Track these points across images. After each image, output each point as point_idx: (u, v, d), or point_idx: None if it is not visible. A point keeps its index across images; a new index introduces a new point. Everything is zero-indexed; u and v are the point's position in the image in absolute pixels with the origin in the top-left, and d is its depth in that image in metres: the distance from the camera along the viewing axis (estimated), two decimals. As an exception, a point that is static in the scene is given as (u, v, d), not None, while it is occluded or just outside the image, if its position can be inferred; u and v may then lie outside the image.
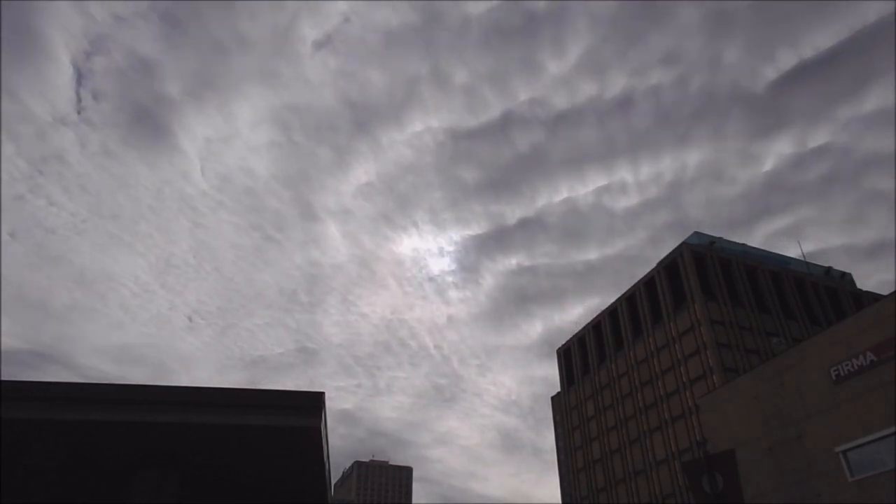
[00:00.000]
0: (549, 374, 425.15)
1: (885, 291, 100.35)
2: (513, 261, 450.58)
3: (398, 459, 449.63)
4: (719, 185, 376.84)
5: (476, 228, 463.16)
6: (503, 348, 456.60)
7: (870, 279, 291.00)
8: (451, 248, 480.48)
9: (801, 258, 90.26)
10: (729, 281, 79.61)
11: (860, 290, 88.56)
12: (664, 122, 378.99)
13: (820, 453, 32.98)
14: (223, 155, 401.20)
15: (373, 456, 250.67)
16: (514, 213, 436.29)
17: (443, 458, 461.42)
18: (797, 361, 36.00)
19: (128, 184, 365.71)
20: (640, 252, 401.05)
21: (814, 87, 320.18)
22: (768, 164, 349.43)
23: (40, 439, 5.97)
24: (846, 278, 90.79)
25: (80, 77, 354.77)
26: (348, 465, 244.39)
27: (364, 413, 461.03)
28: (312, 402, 5.99)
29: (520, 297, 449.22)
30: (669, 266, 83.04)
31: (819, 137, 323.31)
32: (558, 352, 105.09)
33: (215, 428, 5.95)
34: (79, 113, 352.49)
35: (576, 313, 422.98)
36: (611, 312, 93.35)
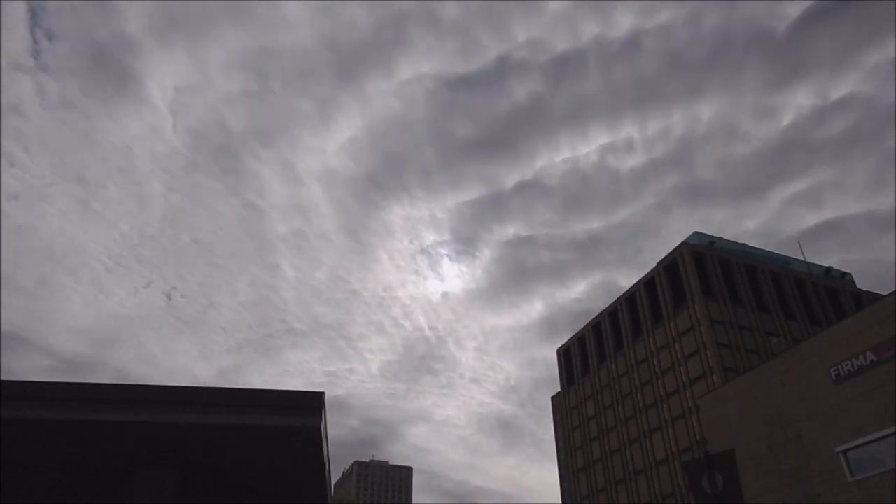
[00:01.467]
0: (549, 357, 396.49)
1: None
2: (510, 230, 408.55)
3: (393, 451, 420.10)
4: (733, 143, 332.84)
5: (471, 193, 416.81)
6: (501, 329, 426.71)
7: (890, 253, 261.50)
8: (444, 216, 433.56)
9: (801, 258, 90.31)
10: (729, 281, 79.61)
11: (860, 290, 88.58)
12: (675, 68, 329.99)
13: (820, 453, 32.98)
14: (195, 107, 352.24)
15: (373, 456, 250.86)
16: (510, 175, 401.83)
17: (440, 448, 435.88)
18: (797, 361, 36.01)
19: (93, 141, 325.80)
20: (646, 220, 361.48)
21: (839, 28, 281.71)
22: (786, 119, 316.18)
23: (40, 439, 5.98)
24: (846, 278, 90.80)
25: (34, 15, 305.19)
26: (348, 463, 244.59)
27: (357, 400, 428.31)
28: (312, 402, 5.99)
29: (518, 272, 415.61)
30: (669, 266, 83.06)
31: (842, 87, 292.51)
32: (558, 352, 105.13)
33: (215, 428, 5.95)
34: (35, 58, 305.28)
35: (578, 290, 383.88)
36: (611, 312, 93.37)
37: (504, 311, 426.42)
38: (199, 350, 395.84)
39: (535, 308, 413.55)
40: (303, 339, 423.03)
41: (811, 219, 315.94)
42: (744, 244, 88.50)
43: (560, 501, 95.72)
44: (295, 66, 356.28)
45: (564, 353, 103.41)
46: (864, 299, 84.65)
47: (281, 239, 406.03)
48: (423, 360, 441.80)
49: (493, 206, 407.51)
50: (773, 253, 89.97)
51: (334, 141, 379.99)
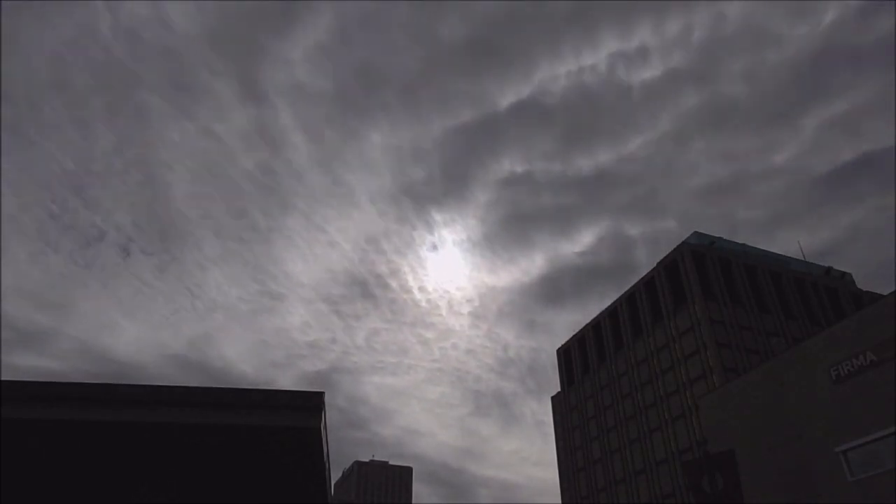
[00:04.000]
0: (550, 323, 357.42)
1: None
2: (506, 164, 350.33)
3: (384, 434, 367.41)
4: (764, 49, 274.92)
5: (460, 115, 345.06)
6: (499, 290, 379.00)
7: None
8: (430, 147, 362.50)
9: (801, 258, 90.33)
10: (729, 281, 79.63)
11: (860, 290, 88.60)
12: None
13: (820, 453, 32.98)
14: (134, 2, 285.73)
15: (373, 456, 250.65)
16: (505, 93, 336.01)
17: (433, 430, 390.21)
18: (797, 361, 36.00)
19: (18, 41, 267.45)
20: (661, 152, 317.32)
21: None
22: (828, 16, 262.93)
23: (40, 439, 5.99)
24: (846, 278, 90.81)
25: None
26: (348, 463, 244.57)
27: (342, 376, 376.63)
28: (312, 402, 6.01)
29: (516, 220, 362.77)
30: (669, 266, 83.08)
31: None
32: (558, 352, 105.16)
33: (215, 428, 5.97)
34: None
35: (583, 242, 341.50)
36: (611, 312, 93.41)
37: (501, 268, 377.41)
38: (163, 316, 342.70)
39: (535, 264, 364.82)
40: (280, 304, 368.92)
41: (847, 152, 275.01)
42: (744, 244, 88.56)
43: (560, 501, 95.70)
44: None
45: (564, 353, 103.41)
46: (864, 299, 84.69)
47: (246, 176, 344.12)
48: (413, 329, 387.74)
49: (486, 134, 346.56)
50: (773, 253, 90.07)
51: (300, 47, 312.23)
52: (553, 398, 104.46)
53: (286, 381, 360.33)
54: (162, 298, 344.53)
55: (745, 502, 30.29)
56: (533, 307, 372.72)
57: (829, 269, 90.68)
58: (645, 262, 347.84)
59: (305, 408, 5.94)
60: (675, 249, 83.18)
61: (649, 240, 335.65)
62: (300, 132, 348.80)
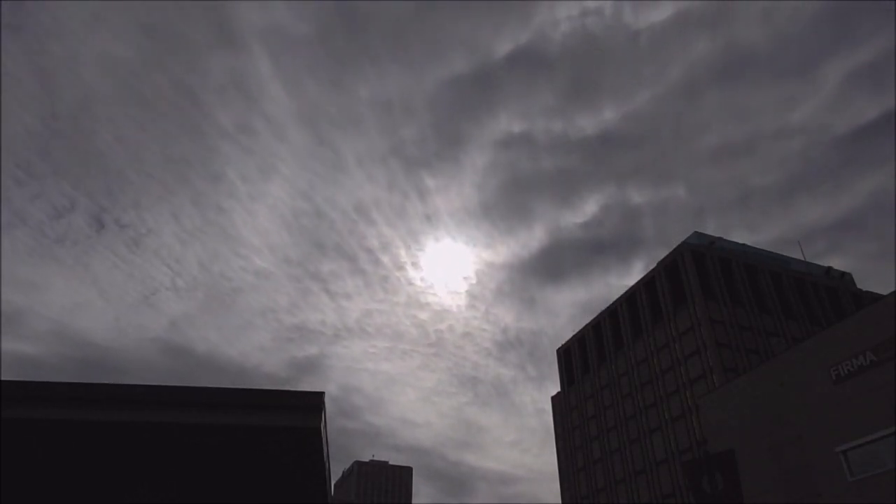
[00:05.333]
0: (551, 302, 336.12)
1: None
2: (503, 122, 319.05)
3: (378, 423, 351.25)
4: None
5: (453, 65, 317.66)
6: (497, 267, 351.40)
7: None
8: (421, 103, 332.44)
9: (801, 258, 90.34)
10: (729, 281, 79.65)
11: (860, 290, 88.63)
12: None
13: (820, 453, 32.98)
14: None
15: (373, 456, 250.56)
16: (502, 39, 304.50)
17: (430, 420, 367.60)
18: (797, 361, 36.00)
19: None
20: (668, 109, 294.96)
21: None
22: None
23: (40, 439, 6.00)
24: (846, 278, 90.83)
25: None
26: (347, 464, 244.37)
27: (333, 361, 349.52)
28: (312, 402, 6.03)
29: (514, 186, 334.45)
30: (669, 266, 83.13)
31: None
32: (558, 352, 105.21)
33: (215, 428, 5.98)
34: None
35: (586, 211, 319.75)
36: (611, 312, 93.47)
37: (499, 242, 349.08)
38: (141, 294, 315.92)
39: (534, 237, 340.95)
40: (264, 281, 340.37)
41: (871, 108, 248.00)
42: (744, 244, 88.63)
43: (560, 501, 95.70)
44: None
45: (564, 353, 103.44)
46: (863, 299, 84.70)
47: (224, 135, 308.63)
48: (407, 309, 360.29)
49: (482, 87, 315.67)
50: (773, 253, 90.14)
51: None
52: (553, 398, 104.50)
53: (274, 366, 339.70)
54: (139, 275, 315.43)
55: (745, 502, 30.28)
56: (533, 284, 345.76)
57: (829, 269, 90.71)
58: (651, 234, 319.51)
59: (305, 408, 5.94)
60: (674, 249, 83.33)
61: (656, 209, 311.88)
62: (279, 83, 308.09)
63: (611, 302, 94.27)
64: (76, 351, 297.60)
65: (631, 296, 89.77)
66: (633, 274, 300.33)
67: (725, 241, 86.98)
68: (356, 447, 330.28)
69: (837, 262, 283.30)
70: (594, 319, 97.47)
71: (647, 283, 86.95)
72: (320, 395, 6.04)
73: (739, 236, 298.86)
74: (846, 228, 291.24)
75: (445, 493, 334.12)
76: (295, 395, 6.06)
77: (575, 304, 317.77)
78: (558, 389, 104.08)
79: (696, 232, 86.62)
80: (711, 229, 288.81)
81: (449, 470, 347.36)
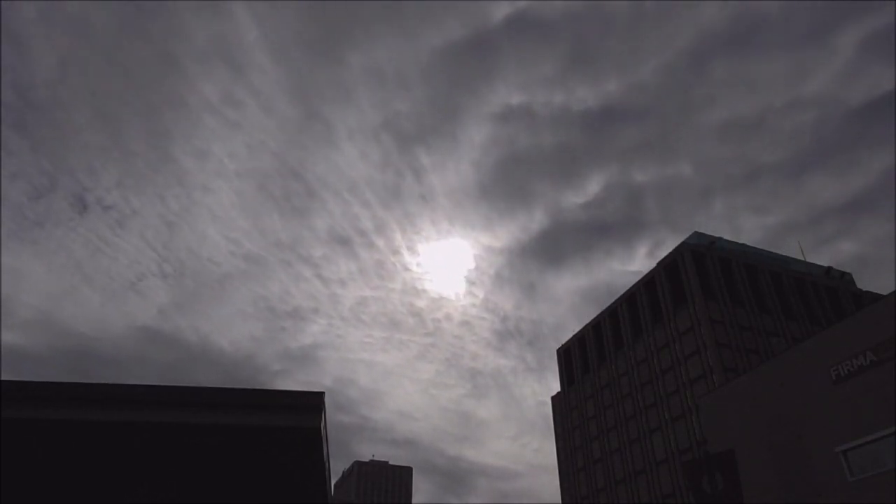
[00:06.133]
0: (552, 288, 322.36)
1: None
2: (501, 92, 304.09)
3: (375, 418, 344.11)
4: None
5: (448, 30, 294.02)
6: (496, 252, 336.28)
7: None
8: (415, 72, 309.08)
9: (801, 258, 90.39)
10: (729, 281, 79.69)
11: (860, 290, 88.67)
12: None
13: (820, 453, 32.98)
14: None
15: (373, 456, 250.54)
16: (499, 1, 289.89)
17: (428, 413, 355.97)
18: (797, 361, 36.00)
19: None
20: (674, 80, 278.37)
21: None
22: None
23: (40, 439, 6.00)
24: (846, 278, 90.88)
25: None
26: (347, 464, 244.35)
27: (328, 352, 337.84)
28: (313, 402, 6.03)
29: (514, 163, 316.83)
30: (669, 266, 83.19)
31: None
32: (558, 351, 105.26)
33: (215, 428, 5.98)
34: None
35: (588, 191, 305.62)
36: (611, 312, 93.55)
37: (498, 224, 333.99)
38: (128, 281, 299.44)
39: (534, 218, 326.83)
40: (255, 266, 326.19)
41: (888, 78, 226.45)
42: (744, 244, 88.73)
43: (560, 500, 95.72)
44: None
45: (564, 353, 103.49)
46: (864, 299, 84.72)
47: (209, 108, 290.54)
48: (403, 297, 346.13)
49: (479, 54, 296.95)
50: (773, 253, 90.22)
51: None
52: (553, 398, 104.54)
53: (267, 358, 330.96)
54: (124, 260, 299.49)
55: (745, 502, 30.28)
56: (533, 269, 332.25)
57: (829, 269, 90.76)
58: (655, 216, 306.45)
59: (305, 408, 5.94)
60: (674, 249, 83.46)
61: (661, 189, 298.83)
62: (266, 51, 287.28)
63: (613, 288, 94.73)
64: (62, 340, 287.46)
65: (631, 296, 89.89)
66: (636, 259, 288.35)
67: (725, 241, 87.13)
68: (352, 442, 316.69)
69: (848, 246, 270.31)
70: (594, 319, 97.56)
71: (647, 283, 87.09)
72: (320, 395, 6.05)
73: (746, 220, 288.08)
74: (858, 210, 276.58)
75: (444, 489, 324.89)
76: (295, 395, 6.06)
77: (576, 290, 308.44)
78: (558, 383, 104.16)
79: (696, 232, 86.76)
80: (718, 210, 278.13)
81: (448, 465, 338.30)
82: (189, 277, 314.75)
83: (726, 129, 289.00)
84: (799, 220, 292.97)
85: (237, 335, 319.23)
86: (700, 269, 79.01)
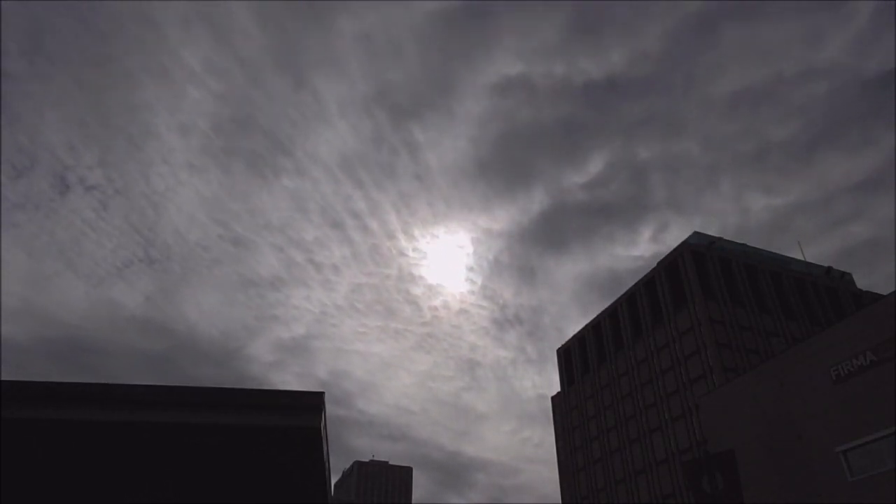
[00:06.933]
0: (552, 273, 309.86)
1: None
2: (498, 62, 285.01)
3: (371, 411, 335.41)
4: None
5: None
6: (494, 234, 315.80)
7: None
8: (407, 38, 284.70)
9: (801, 258, 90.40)
10: (729, 281, 79.69)
11: (860, 290, 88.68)
12: None
13: (820, 453, 32.98)
14: None
15: (373, 456, 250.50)
16: None
17: (426, 407, 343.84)
18: (797, 361, 36.00)
19: None
20: (681, 47, 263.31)
21: None
22: None
23: (40, 439, 6.00)
24: (846, 278, 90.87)
25: None
26: (347, 464, 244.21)
27: (323, 342, 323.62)
28: (312, 402, 6.04)
29: (513, 139, 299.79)
30: (669, 266, 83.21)
31: None
32: (558, 351, 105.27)
33: (215, 428, 5.98)
34: None
35: (590, 169, 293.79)
36: (611, 312, 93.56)
37: (496, 205, 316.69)
38: (113, 266, 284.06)
39: (534, 199, 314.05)
40: (245, 250, 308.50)
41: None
42: (744, 244, 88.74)
43: (560, 500, 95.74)
44: None
45: (564, 353, 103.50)
46: (864, 299, 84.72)
47: (192, 78, 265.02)
48: (399, 284, 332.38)
49: (475, 18, 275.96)
50: (773, 253, 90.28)
51: None
52: (553, 398, 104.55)
53: (259, 348, 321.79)
54: (109, 244, 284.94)
55: (745, 502, 30.27)
56: (533, 254, 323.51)
57: (829, 269, 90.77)
58: (660, 197, 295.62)
59: (305, 408, 5.95)
60: (674, 249, 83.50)
61: (666, 167, 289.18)
62: (250, 14, 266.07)
63: (616, 274, 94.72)
64: (47, 330, 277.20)
65: (631, 296, 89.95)
66: (639, 244, 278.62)
67: (725, 241, 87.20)
68: (349, 436, 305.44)
69: (860, 229, 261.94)
70: (594, 319, 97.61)
71: (647, 283, 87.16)
72: (320, 395, 6.05)
73: (755, 200, 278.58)
74: (871, 189, 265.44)
75: (442, 485, 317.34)
76: (295, 395, 6.07)
77: (578, 277, 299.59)
78: (558, 378, 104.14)
79: (695, 232, 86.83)
80: (725, 189, 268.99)
81: (446, 460, 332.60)
82: (176, 262, 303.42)
83: (735, 101, 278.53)
84: (809, 200, 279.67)
85: (227, 324, 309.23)
86: (700, 269, 79.01)
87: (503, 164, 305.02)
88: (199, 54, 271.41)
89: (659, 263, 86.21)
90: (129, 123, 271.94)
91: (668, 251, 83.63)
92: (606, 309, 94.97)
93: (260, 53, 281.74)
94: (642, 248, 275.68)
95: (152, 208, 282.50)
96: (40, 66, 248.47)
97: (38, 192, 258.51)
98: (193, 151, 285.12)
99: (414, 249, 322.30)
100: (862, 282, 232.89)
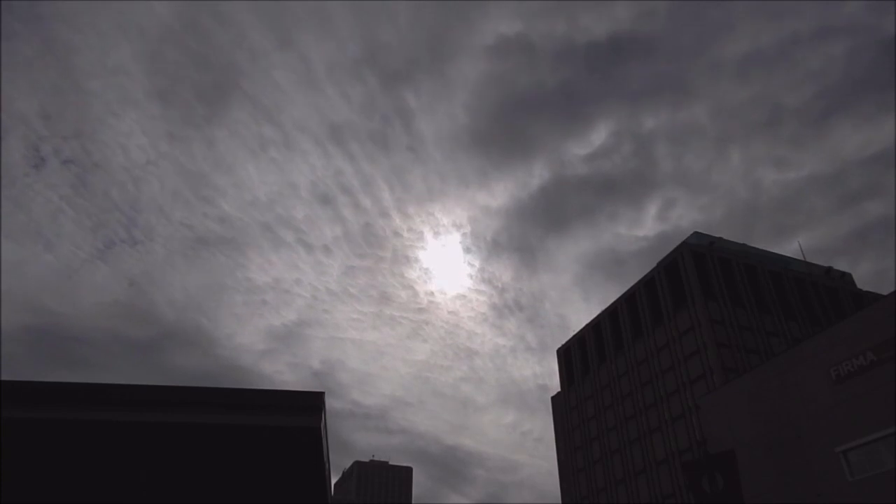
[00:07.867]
0: (553, 254, 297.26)
1: None
2: (494, 20, 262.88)
3: (367, 403, 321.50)
4: None
5: None
6: (493, 212, 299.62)
7: None
8: None
9: (801, 258, 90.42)
10: (729, 281, 79.69)
11: (860, 290, 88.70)
12: None
13: (820, 453, 32.98)
14: None
15: (373, 456, 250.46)
16: None
17: (423, 399, 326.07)
18: (797, 361, 36.01)
19: None
20: (691, 6, 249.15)
21: None
22: None
23: (40, 439, 6.01)
24: (846, 278, 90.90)
25: None
26: (347, 465, 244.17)
27: (315, 330, 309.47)
28: (312, 402, 6.06)
29: (512, 106, 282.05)
30: (669, 266, 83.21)
31: None
32: (558, 351, 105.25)
33: (215, 428, 5.99)
34: None
35: (593, 140, 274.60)
36: (611, 313, 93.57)
37: (494, 179, 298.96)
38: (94, 248, 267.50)
39: (534, 173, 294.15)
40: (231, 229, 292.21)
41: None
42: (744, 244, 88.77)
43: (560, 500, 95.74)
44: None
45: (564, 353, 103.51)
46: (864, 299, 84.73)
47: (168, 36, 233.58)
48: (393, 267, 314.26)
49: None
50: (774, 253, 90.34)
51: None
52: (553, 398, 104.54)
53: (249, 337, 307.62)
54: (89, 223, 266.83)
55: (745, 502, 30.28)
56: (532, 234, 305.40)
57: (829, 269, 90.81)
58: (667, 170, 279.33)
59: (305, 408, 5.96)
60: (675, 249, 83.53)
61: (673, 137, 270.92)
62: None
63: (619, 256, 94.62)
64: (26, 317, 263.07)
65: (631, 296, 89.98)
66: (645, 222, 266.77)
67: (725, 241, 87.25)
68: (344, 430, 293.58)
69: (875, 206, 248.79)
70: (594, 319, 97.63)
71: (647, 283, 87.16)
72: (320, 395, 6.06)
73: (766, 173, 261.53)
74: (887, 163, 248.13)
75: (440, 481, 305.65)
76: (294, 395, 6.08)
77: (580, 258, 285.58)
78: (558, 378, 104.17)
79: (695, 232, 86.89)
80: (735, 163, 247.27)
81: (444, 455, 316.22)
82: (160, 244, 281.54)
83: (746, 64, 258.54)
84: (822, 173, 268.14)
85: (216, 310, 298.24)
86: (700, 270, 79.02)
87: (501, 133, 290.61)
88: (176, 9, 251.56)
89: (659, 263, 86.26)
90: (105, 88, 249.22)
91: (674, 231, 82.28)
92: (606, 309, 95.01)
93: (242, 11, 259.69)
94: (648, 227, 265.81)
95: (133, 183, 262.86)
96: (6, 24, 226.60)
97: (12, 165, 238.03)
98: (175, 122, 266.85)
99: (409, 229, 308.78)
100: (874, 264, 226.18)
